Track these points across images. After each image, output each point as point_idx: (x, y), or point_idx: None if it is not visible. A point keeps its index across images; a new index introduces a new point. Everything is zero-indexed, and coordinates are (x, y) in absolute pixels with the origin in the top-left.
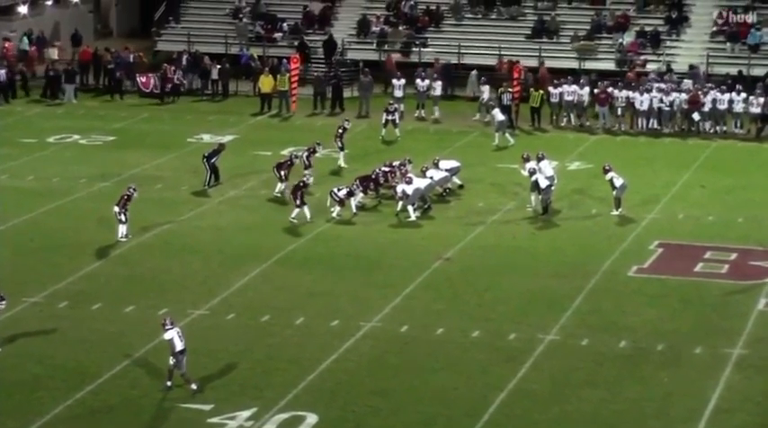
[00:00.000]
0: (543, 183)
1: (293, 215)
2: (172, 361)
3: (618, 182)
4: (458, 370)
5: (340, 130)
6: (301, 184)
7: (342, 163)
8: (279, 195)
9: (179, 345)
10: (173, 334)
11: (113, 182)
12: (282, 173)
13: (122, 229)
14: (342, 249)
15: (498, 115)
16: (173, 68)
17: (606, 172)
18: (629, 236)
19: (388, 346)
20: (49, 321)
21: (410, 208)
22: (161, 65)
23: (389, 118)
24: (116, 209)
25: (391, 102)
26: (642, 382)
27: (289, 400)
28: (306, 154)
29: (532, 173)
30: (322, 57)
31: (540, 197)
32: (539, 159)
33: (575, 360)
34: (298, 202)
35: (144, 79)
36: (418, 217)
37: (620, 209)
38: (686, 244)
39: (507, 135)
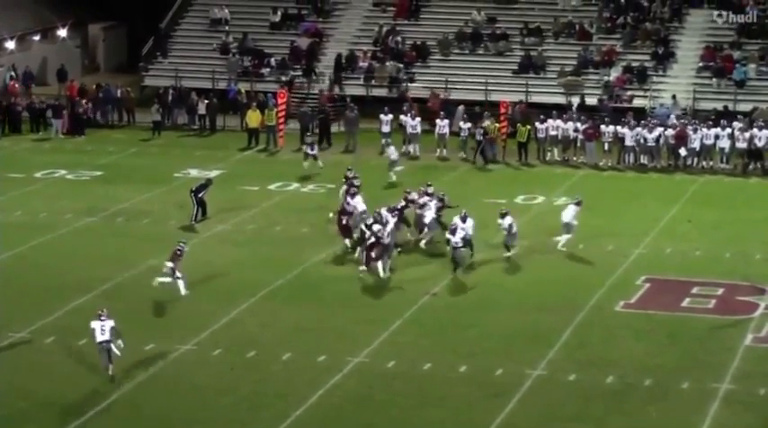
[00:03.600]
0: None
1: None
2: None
3: (508, 225)
4: (444, 405)
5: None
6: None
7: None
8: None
9: (99, 337)
10: (95, 325)
11: (100, 217)
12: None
13: (181, 285)
14: (329, 285)
15: (392, 153)
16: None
17: (503, 216)
18: (617, 271)
19: (375, 382)
20: (35, 356)
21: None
22: (152, 99)
23: (310, 152)
24: (170, 264)
25: (308, 134)
26: (629, 417)
27: None
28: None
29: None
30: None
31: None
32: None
33: (562, 395)
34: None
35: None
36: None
37: (512, 251)
38: (673, 279)
39: (391, 172)
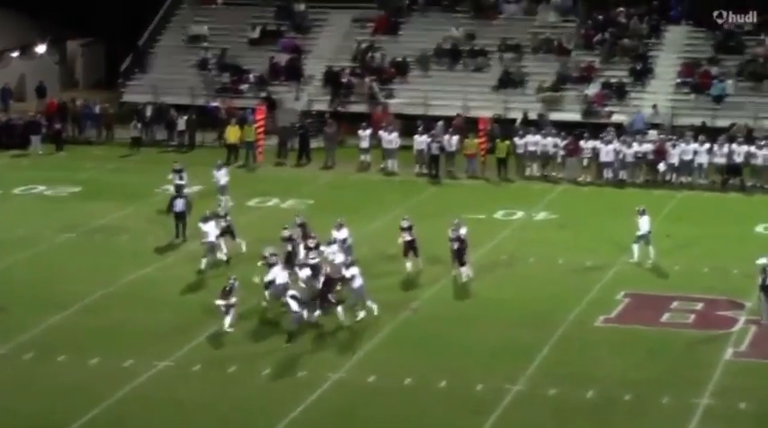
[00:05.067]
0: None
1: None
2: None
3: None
4: (425, 421)
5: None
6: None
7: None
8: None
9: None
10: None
11: (79, 232)
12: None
13: (228, 320)
14: None
15: (222, 178)
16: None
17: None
18: (596, 287)
19: (356, 397)
20: (14, 373)
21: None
22: (130, 115)
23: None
24: (220, 302)
25: (176, 161)
26: None
27: None
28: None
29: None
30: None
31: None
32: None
33: (542, 410)
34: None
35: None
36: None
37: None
38: (652, 294)
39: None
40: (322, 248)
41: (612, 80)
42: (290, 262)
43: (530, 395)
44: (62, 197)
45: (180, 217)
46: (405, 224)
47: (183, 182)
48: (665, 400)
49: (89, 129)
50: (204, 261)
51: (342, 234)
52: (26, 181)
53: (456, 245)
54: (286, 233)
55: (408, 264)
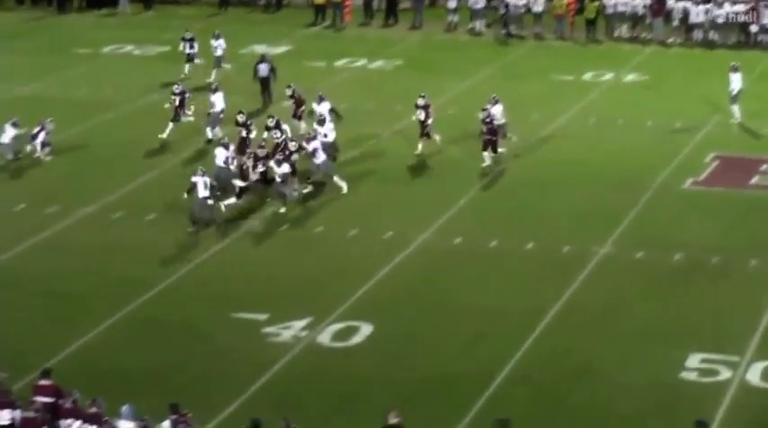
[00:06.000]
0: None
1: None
2: None
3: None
4: (511, 282)
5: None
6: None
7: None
8: None
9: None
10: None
11: (164, 93)
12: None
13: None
14: (394, 161)
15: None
16: None
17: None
18: (685, 149)
19: (442, 258)
20: (103, 231)
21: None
22: None
23: (189, 51)
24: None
25: (188, 30)
26: (696, 296)
27: (343, 311)
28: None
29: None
30: None
31: None
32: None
33: (628, 273)
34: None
35: None
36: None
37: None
38: (742, 156)
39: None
40: (315, 126)
41: None
42: (242, 148)
43: (616, 258)
44: (150, 57)
45: (264, 82)
46: (420, 102)
47: (193, 51)
48: (752, 263)
49: None
50: (209, 130)
51: (324, 107)
52: (114, 40)
53: (485, 128)
54: (240, 118)
55: (420, 145)
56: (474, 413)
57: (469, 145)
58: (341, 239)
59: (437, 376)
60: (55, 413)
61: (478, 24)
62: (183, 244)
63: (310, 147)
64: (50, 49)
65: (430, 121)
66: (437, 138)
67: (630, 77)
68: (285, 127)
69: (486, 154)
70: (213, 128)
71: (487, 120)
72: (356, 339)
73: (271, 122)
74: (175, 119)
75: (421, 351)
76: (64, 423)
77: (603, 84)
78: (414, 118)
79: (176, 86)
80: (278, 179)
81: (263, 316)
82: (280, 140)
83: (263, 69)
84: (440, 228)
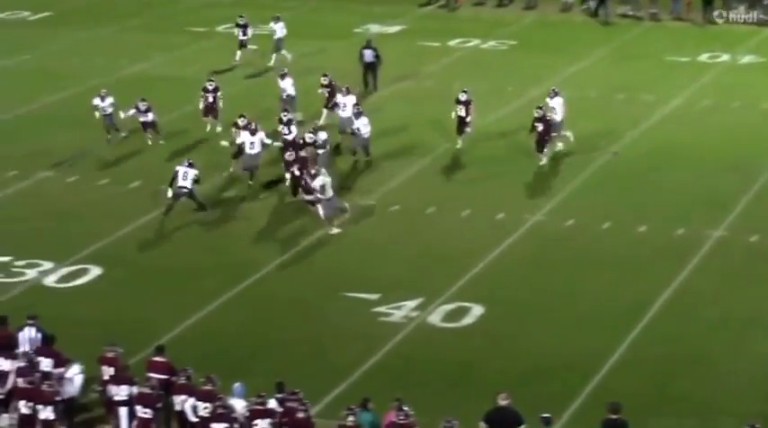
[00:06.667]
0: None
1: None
2: None
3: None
4: (623, 265)
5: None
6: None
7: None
8: None
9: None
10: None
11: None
12: None
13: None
14: (507, 141)
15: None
16: None
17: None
18: None
19: (553, 240)
20: (215, 211)
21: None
22: None
23: (242, 37)
24: None
25: (242, 16)
26: None
27: (454, 291)
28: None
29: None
30: None
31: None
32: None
33: (742, 257)
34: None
35: None
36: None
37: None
38: None
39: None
40: (355, 122)
41: None
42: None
43: (731, 241)
44: (263, 35)
45: (369, 67)
46: (462, 97)
47: (246, 37)
48: None
49: None
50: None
51: (349, 100)
52: (228, 19)
53: (541, 127)
54: (241, 121)
55: (459, 141)
56: (584, 396)
57: (582, 126)
58: (453, 220)
59: (547, 358)
60: (168, 389)
61: (592, 4)
62: (294, 224)
63: (320, 138)
64: (164, 27)
65: (470, 119)
66: (459, 142)
67: (747, 59)
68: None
69: (541, 154)
70: (294, 111)
71: (546, 118)
72: (467, 320)
73: (284, 116)
74: (207, 115)
75: (531, 333)
76: (177, 398)
77: (719, 66)
78: (453, 114)
79: (209, 83)
80: (318, 195)
81: (374, 296)
82: (290, 137)
83: (368, 55)
84: (552, 210)
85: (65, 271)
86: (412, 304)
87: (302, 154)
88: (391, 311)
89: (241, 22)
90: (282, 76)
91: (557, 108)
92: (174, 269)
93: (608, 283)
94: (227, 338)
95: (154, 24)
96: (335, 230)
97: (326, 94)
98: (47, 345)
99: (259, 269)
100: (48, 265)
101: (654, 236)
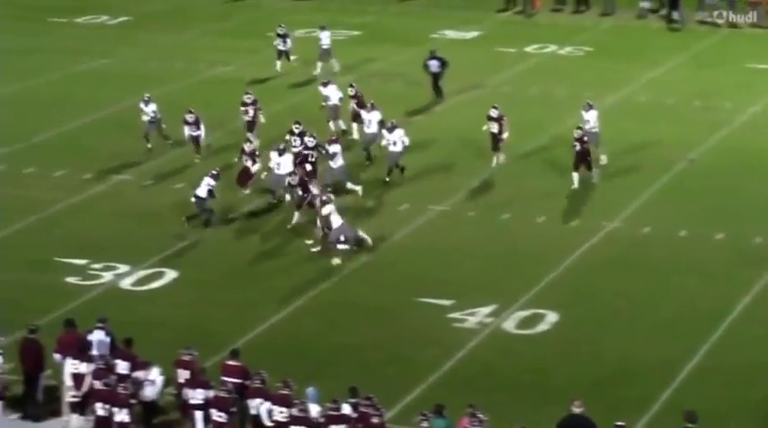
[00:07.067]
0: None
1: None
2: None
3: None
4: (700, 272)
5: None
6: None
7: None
8: None
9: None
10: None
11: (357, 75)
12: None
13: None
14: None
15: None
16: None
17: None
18: None
19: (630, 247)
20: (287, 215)
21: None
22: None
23: (282, 47)
24: None
25: (281, 25)
26: None
27: (529, 298)
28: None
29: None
30: None
31: None
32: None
33: None
34: None
35: None
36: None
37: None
38: None
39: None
40: (383, 132)
41: None
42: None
43: None
44: (341, 41)
45: (436, 77)
46: (493, 113)
47: (287, 47)
48: None
49: None
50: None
51: (374, 115)
52: (307, 24)
53: (578, 147)
54: (247, 147)
55: (494, 158)
56: (660, 404)
57: (658, 132)
58: (528, 226)
59: (623, 365)
60: (242, 393)
61: (676, 14)
62: (369, 228)
63: (331, 149)
64: (245, 32)
65: (505, 135)
66: (501, 157)
67: None
68: (308, 139)
69: (575, 174)
70: (336, 120)
71: (584, 139)
72: (542, 327)
73: (296, 128)
74: (251, 129)
75: (606, 340)
76: (252, 402)
77: None
78: (484, 128)
79: (247, 96)
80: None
81: (448, 302)
82: (297, 149)
83: (434, 65)
84: (628, 217)
85: (141, 274)
86: (486, 310)
87: (308, 167)
88: (465, 317)
89: (281, 32)
90: (325, 84)
91: (591, 121)
92: (248, 272)
93: (686, 290)
94: (301, 342)
95: (234, 29)
96: (336, 261)
97: (354, 107)
98: (119, 348)
99: (336, 273)
100: (124, 268)
101: (732, 244)
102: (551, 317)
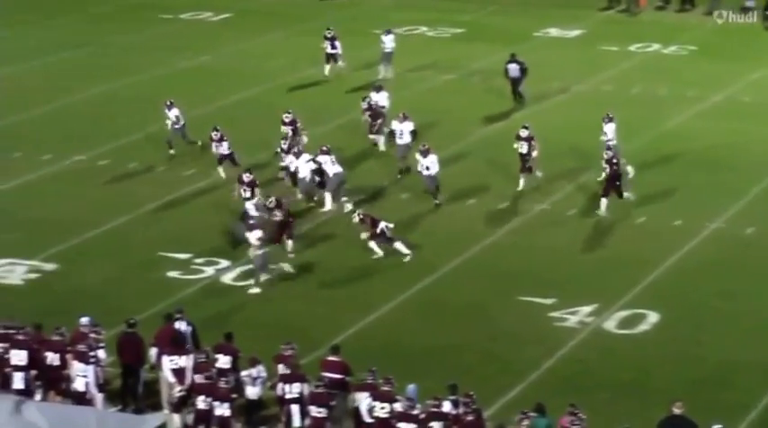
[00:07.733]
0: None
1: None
2: None
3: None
4: None
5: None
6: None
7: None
8: None
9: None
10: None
11: (459, 74)
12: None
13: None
14: (689, 146)
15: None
16: None
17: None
18: None
19: (732, 248)
20: (383, 213)
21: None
22: None
23: (330, 51)
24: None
25: (330, 29)
26: None
27: (630, 298)
28: None
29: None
30: None
31: None
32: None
33: None
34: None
35: None
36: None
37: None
38: None
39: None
40: (417, 157)
41: None
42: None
43: None
44: (444, 38)
45: (515, 82)
46: (523, 133)
47: (336, 51)
48: None
49: None
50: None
51: (406, 126)
52: (407, 21)
53: (609, 170)
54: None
55: (521, 180)
56: (762, 406)
57: (762, 132)
58: (628, 226)
59: (725, 366)
60: (343, 388)
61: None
62: (469, 226)
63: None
64: (346, 29)
65: (534, 154)
66: (539, 174)
67: None
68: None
69: (604, 200)
70: (381, 128)
71: (614, 160)
72: (642, 327)
73: (284, 145)
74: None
75: (707, 340)
76: (359, 396)
77: None
78: (515, 146)
79: (287, 115)
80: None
81: (549, 301)
82: (285, 163)
83: (514, 70)
84: (732, 217)
85: (242, 269)
86: (587, 309)
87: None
88: (566, 316)
89: (328, 35)
90: (377, 89)
91: (609, 133)
92: (348, 270)
93: None
94: (401, 340)
95: (335, 27)
96: (255, 290)
97: (368, 119)
98: (221, 343)
99: (434, 271)
100: (225, 263)
101: None
102: (652, 318)
